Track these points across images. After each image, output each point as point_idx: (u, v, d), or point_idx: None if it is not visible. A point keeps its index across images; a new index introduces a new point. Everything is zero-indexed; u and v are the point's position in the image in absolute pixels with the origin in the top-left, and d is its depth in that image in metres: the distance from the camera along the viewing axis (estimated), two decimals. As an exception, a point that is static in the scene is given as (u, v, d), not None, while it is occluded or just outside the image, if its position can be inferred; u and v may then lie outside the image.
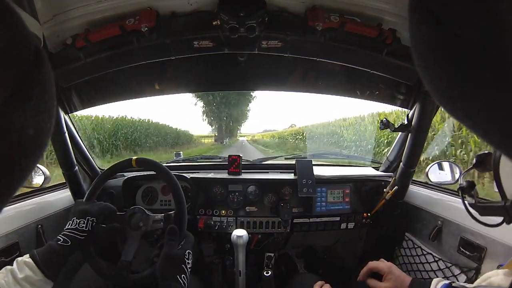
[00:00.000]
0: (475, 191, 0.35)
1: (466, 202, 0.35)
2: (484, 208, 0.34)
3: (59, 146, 1.17)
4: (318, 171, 1.35)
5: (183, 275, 0.80)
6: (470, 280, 0.93)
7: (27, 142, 0.21)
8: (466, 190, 0.35)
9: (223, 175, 1.41)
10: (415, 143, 1.23)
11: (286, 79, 1.32)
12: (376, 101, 1.33)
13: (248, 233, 1.12)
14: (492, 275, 0.43)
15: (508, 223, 0.31)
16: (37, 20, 0.74)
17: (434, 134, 4.58)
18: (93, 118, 8.53)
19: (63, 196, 1.29)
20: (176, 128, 15.79)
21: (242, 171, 1.44)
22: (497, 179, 0.31)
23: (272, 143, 22.97)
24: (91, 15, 0.93)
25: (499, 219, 0.32)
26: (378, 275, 0.82)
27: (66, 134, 1.18)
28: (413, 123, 1.20)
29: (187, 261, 0.85)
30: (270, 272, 1.18)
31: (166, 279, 0.78)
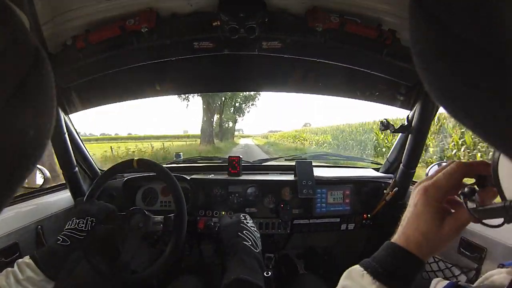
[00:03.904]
0: (476, 197, 0.35)
1: (467, 207, 0.36)
2: (485, 211, 0.34)
3: (59, 147, 1.17)
4: (318, 172, 1.35)
5: (244, 231, 0.84)
6: (470, 281, 0.93)
7: (27, 142, 0.21)
8: (468, 195, 0.36)
9: (223, 176, 1.41)
10: (415, 144, 1.23)
11: (286, 79, 1.32)
12: (376, 102, 1.33)
13: None
14: (495, 273, 0.43)
15: (508, 223, 0.32)
16: (38, 21, 0.74)
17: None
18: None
19: (63, 197, 1.29)
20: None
21: (242, 172, 1.44)
22: (496, 180, 0.31)
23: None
24: (91, 16, 0.93)
25: (500, 220, 0.32)
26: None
27: (66, 135, 1.18)
28: (413, 124, 1.20)
29: (244, 221, 0.90)
30: (270, 273, 1.18)
31: (230, 239, 0.83)
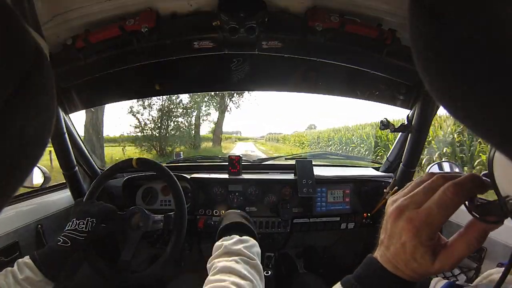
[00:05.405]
0: (476, 198, 0.36)
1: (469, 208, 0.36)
2: (482, 206, 0.35)
3: (59, 146, 1.17)
4: (318, 171, 1.35)
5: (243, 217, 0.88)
6: (470, 280, 0.93)
7: (27, 142, 0.21)
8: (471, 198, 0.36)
9: (223, 175, 1.42)
10: (415, 143, 1.23)
11: (286, 79, 1.32)
12: (376, 102, 1.33)
13: None
14: (494, 272, 0.43)
15: (503, 219, 0.32)
16: (37, 20, 0.74)
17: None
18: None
19: (63, 196, 1.29)
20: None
21: (242, 171, 1.44)
22: (492, 178, 0.31)
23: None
24: (91, 16, 0.93)
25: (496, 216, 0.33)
26: None
27: (66, 135, 1.18)
28: (413, 123, 1.20)
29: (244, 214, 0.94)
30: (270, 272, 1.18)
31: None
